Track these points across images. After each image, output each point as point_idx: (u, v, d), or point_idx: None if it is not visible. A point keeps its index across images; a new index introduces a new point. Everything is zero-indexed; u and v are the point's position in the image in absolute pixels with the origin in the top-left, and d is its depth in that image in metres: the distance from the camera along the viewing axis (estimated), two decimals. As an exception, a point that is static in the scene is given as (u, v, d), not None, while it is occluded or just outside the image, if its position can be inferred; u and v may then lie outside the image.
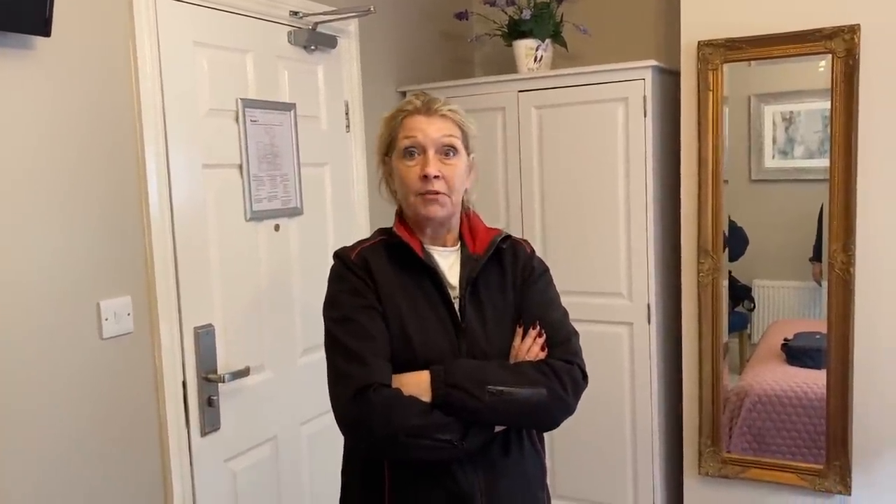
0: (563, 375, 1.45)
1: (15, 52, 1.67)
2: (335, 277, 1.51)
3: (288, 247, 2.45)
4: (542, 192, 2.87)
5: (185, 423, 2.09)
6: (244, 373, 2.22)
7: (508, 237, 1.58)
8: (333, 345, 1.44)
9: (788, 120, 2.71)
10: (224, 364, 2.19)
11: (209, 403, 2.14)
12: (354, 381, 1.36)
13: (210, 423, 2.15)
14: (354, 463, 1.53)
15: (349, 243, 2.70)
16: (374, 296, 1.45)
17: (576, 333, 1.55)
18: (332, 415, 1.42)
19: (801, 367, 2.68)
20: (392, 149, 1.51)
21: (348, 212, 2.69)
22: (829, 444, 2.51)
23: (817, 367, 2.58)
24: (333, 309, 1.48)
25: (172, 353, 2.04)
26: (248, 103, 2.26)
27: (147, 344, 1.99)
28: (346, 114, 2.69)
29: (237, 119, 2.23)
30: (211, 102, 2.16)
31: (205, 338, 2.13)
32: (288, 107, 2.41)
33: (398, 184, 1.51)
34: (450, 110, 1.49)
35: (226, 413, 2.20)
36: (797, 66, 2.54)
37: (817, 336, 2.57)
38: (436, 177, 1.45)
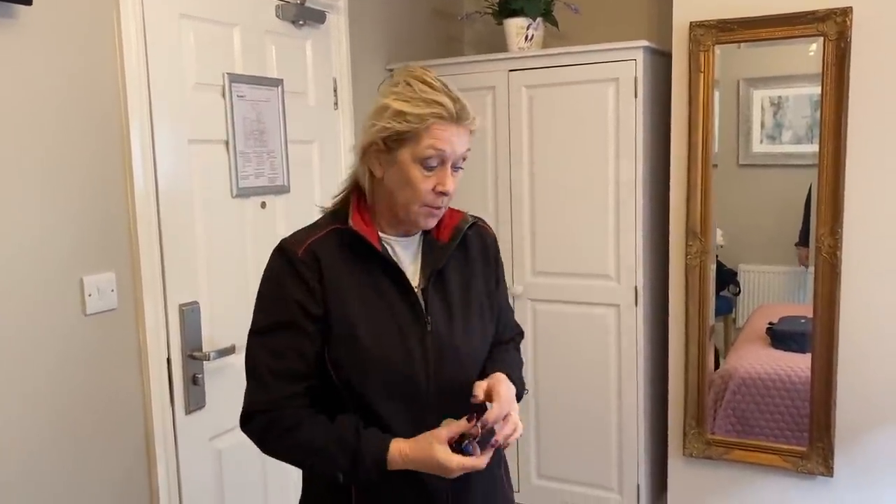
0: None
1: (-5, 20, 1.64)
2: (273, 276, 1.37)
3: (274, 225, 2.42)
4: (532, 172, 2.85)
5: (170, 401, 2.08)
6: (230, 351, 2.20)
7: (475, 223, 1.48)
8: (247, 352, 1.39)
9: (777, 105, 2.71)
10: (209, 342, 2.17)
11: (194, 381, 2.13)
12: (251, 403, 1.38)
13: (195, 401, 2.14)
14: None
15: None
16: (316, 302, 1.32)
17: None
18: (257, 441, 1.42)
19: (786, 350, 2.70)
20: (402, 144, 1.31)
21: (335, 190, 2.64)
22: (812, 426, 2.53)
23: (802, 350, 2.59)
24: (257, 315, 1.38)
25: (157, 330, 2.02)
26: (235, 78, 2.23)
27: (131, 321, 1.97)
28: (335, 91, 2.66)
29: (224, 94, 2.20)
30: (197, 76, 2.13)
31: (190, 315, 2.11)
32: (275, 82, 2.37)
33: (397, 182, 1.34)
34: (476, 124, 1.35)
35: (211, 391, 2.18)
36: (787, 51, 2.53)
37: (802, 320, 2.58)
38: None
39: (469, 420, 1.28)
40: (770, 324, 2.76)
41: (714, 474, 2.71)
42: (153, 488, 2.03)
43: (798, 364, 2.60)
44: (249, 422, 1.38)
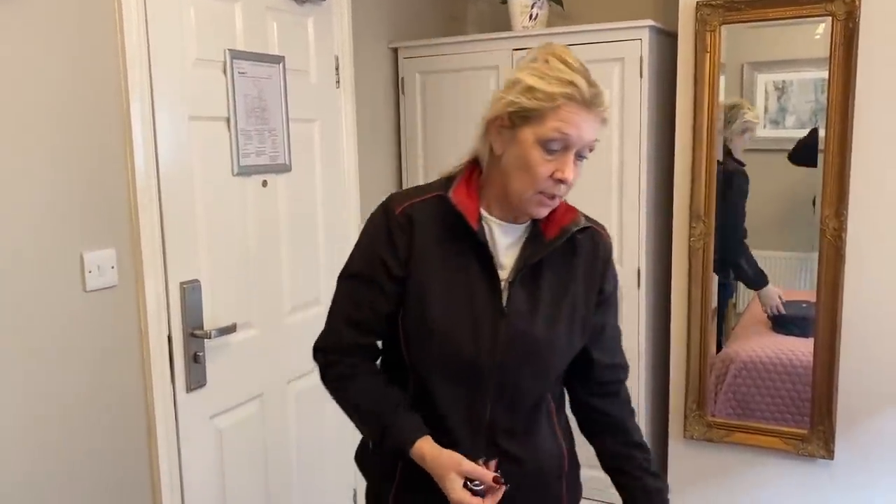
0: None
1: (-6, -8, 1.61)
2: (369, 228, 1.38)
3: (276, 203, 2.41)
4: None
5: (171, 379, 2.07)
6: (231, 329, 2.19)
7: (587, 227, 1.38)
8: (335, 291, 1.43)
9: (781, 89, 2.68)
10: (210, 320, 2.16)
11: (195, 359, 2.12)
12: (322, 341, 1.42)
13: (196, 379, 2.13)
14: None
15: (338, 203, 2.67)
16: (399, 264, 1.32)
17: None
18: (318, 373, 1.43)
19: (787, 334, 2.69)
20: (527, 121, 1.24)
21: (337, 169, 2.65)
22: (813, 409, 2.53)
23: (803, 334, 2.58)
24: (350, 258, 1.40)
25: (158, 307, 2.01)
26: (237, 55, 2.21)
27: (132, 298, 1.96)
28: (337, 69, 2.63)
29: (225, 71, 2.18)
30: (198, 52, 2.10)
31: (191, 293, 2.10)
32: (277, 59, 2.35)
33: (514, 162, 1.27)
34: (608, 113, 1.27)
35: (212, 369, 2.18)
36: (792, 34, 2.51)
37: (804, 304, 2.57)
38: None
39: (493, 470, 1.29)
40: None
41: (715, 457, 2.71)
42: (154, 466, 2.03)
43: (800, 348, 2.59)
44: (316, 354, 1.43)
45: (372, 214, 1.38)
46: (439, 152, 2.98)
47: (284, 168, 2.41)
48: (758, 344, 2.72)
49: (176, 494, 2.10)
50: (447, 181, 1.36)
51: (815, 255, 2.45)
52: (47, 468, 1.78)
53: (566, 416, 1.52)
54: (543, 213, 1.31)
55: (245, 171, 2.26)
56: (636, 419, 1.53)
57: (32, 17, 1.70)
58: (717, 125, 2.53)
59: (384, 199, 1.38)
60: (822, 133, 2.41)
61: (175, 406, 2.09)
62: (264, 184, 2.35)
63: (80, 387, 1.85)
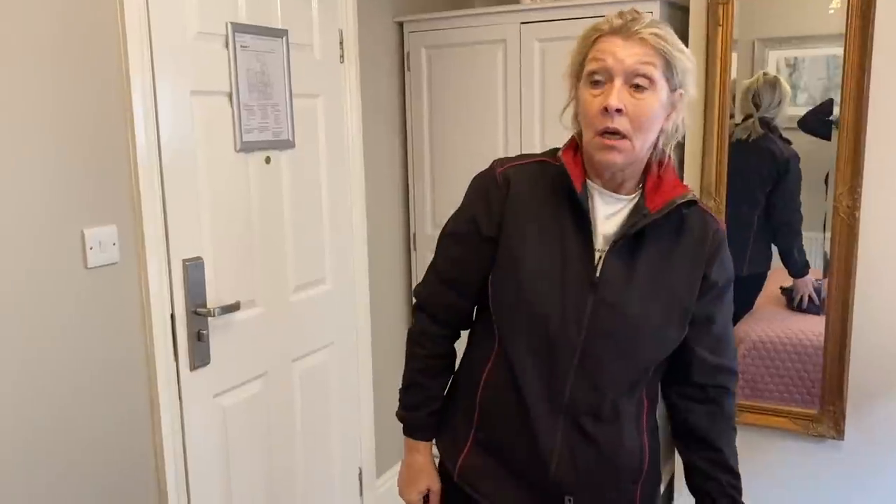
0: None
1: (-12, -38, 1.57)
2: (470, 188, 1.42)
3: (279, 180, 2.37)
4: (543, 128, 2.78)
5: (174, 357, 2.05)
6: (235, 307, 2.17)
7: (695, 202, 1.32)
8: (436, 246, 1.49)
9: (793, 66, 2.63)
10: (214, 298, 2.14)
11: (198, 338, 2.10)
12: (418, 291, 1.52)
13: (199, 357, 2.11)
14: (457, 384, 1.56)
15: (342, 181, 2.65)
16: (491, 224, 1.34)
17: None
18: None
19: (801, 312, 2.65)
20: (580, 72, 1.29)
21: (341, 146, 2.61)
22: (824, 389, 2.50)
23: (817, 312, 2.55)
24: (451, 218, 1.46)
25: (160, 285, 1.99)
26: (239, 28, 2.16)
27: (134, 275, 1.93)
28: (341, 44, 2.59)
29: (227, 44, 2.14)
30: (199, 26, 2.06)
31: (193, 270, 2.07)
32: (280, 33, 2.30)
33: (581, 115, 1.30)
34: (652, 34, 1.21)
35: (216, 348, 2.16)
36: (806, 9, 2.45)
37: (817, 281, 2.53)
38: (618, 111, 1.21)
39: None
40: (783, 287, 2.72)
41: (723, 437, 2.69)
42: (157, 445, 2.02)
43: (811, 328, 2.56)
44: (415, 304, 1.53)
45: (475, 176, 1.43)
46: (445, 128, 2.94)
47: (288, 144, 2.37)
48: (769, 323, 2.69)
49: (180, 473, 2.09)
50: (553, 151, 1.39)
51: (828, 234, 2.41)
52: (49, 448, 1.77)
53: (657, 422, 1.46)
54: (612, 157, 1.24)
55: (248, 147, 2.23)
56: (732, 437, 1.45)
57: (29, -13, 1.66)
58: (729, 99, 2.48)
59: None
60: (836, 110, 2.35)
61: (179, 384, 2.07)
62: (267, 160, 2.32)
63: (81, 365, 1.83)
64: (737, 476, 1.43)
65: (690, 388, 1.42)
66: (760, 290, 2.73)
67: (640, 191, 1.33)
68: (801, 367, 2.58)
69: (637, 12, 1.25)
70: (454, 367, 1.55)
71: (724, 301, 1.39)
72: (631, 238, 1.29)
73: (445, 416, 1.53)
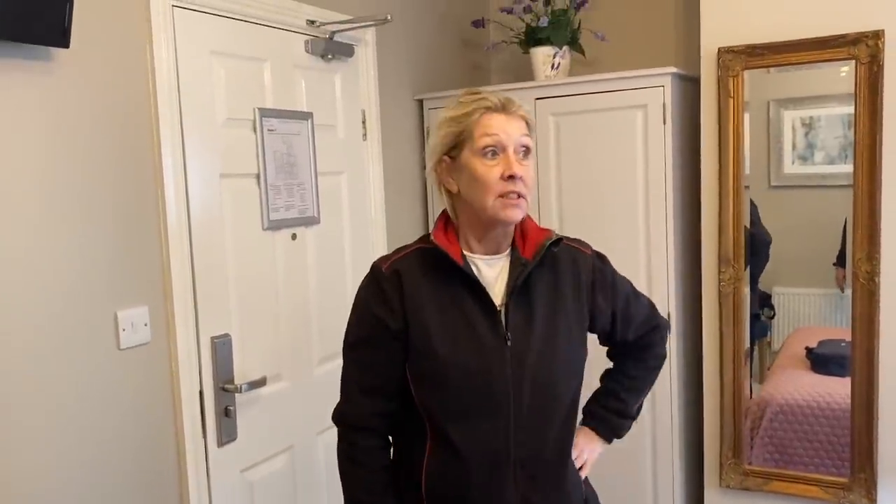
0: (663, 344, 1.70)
1: (34, 63, 1.68)
2: (360, 293, 1.48)
3: (305, 256, 2.44)
4: (560, 200, 2.84)
5: (202, 434, 2.09)
6: (261, 382, 2.21)
7: (560, 240, 1.49)
8: (343, 364, 1.51)
9: (808, 125, 2.67)
10: (241, 374, 2.18)
11: (226, 413, 2.13)
12: (339, 411, 1.50)
13: (227, 433, 2.14)
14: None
15: (366, 253, 2.70)
16: (396, 317, 1.40)
17: (648, 299, 1.69)
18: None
19: (827, 374, 2.63)
20: (461, 147, 1.39)
21: (365, 220, 2.68)
22: (854, 455, 2.46)
23: (844, 374, 2.53)
24: (348, 329, 1.49)
25: (189, 362, 2.04)
26: (266, 112, 2.26)
27: (164, 354, 1.98)
28: (363, 122, 2.68)
29: (254, 128, 2.23)
30: (228, 112, 2.16)
31: (221, 347, 2.12)
32: (305, 116, 2.40)
33: (468, 184, 1.39)
34: (525, 111, 1.42)
35: (242, 423, 2.19)
36: (818, 72, 2.50)
37: (843, 343, 2.51)
38: (518, 177, 1.37)
39: None
40: (808, 348, 2.70)
41: (753, 506, 2.65)
42: (186, 521, 2.04)
43: (838, 390, 2.54)
44: (337, 425, 1.50)
45: (360, 284, 1.48)
46: (465, 200, 3.00)
47: (313, 220, 2.45)
48: (794, 386, 2.66)
49: (208, 550, 2.10)
50: (424, 237, 1.49)
51: (850, 292, 2.41)
52: (81, 526, 1.80)
53: None
54: (517, 214, 1.39)
55: (275, 226, 2.30)
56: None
57: (69, 80, 1.76)
58: (743, 169, 2.52)
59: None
60: (849, 170, 2.37)
61: (207, 461, 2.10)
62: (293, 237, 2.38)
63: (113, 444, 1.87)
64: (623, 402, 1.70)
65: (630, 349, 1.68)
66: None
67: (510, 246, 1.47)
68: (831, 431, 2.55)
69: (503, 94, 1.41)
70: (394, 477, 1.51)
71: (618, 290, 1.58)
72: (521, 287, 1.42)
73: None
